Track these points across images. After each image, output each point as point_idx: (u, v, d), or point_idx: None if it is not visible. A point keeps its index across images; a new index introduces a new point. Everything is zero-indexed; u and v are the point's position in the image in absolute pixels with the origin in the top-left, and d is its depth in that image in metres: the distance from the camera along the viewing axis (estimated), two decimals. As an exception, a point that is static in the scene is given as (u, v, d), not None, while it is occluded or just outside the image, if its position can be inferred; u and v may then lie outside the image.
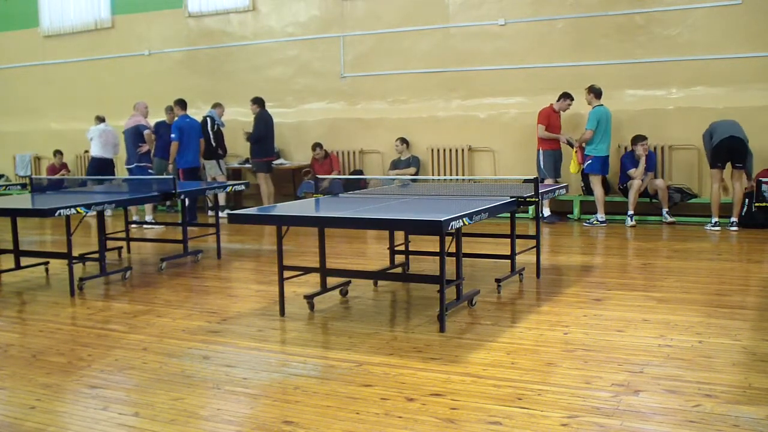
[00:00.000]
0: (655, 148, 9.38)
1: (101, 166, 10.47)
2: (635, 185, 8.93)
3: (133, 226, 8.81)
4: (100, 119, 10.78)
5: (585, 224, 9.17)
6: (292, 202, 6.30)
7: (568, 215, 9.65)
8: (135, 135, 9.77)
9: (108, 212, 10.62)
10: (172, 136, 10.06)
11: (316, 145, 11.00)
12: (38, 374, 3.95)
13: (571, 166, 9.45)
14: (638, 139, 9.03)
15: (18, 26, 14.02)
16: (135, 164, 9.76)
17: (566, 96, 9.48)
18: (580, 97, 9.46)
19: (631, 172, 9.02)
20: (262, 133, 10.58)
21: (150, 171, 10.00)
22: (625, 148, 9.46)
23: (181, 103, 10.30)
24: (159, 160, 10.82)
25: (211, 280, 6.54)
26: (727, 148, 8.21)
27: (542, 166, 9.46)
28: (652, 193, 9.13)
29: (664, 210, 9.01)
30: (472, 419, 3.18)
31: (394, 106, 11.13)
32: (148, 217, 10.07)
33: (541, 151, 9.51)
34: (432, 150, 10.70)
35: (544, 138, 9.50)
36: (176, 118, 10.30)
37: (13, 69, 14.17)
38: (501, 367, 3.85)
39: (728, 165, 8.34)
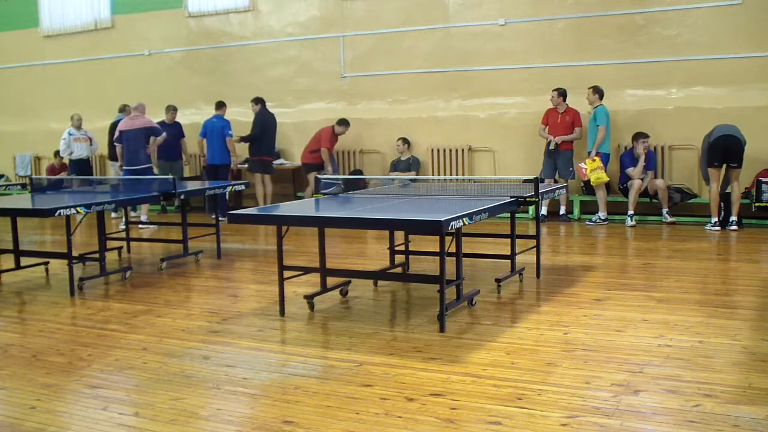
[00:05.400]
0: (655, 148, 9.38)
1: (88, 166, 11.30)
2: (635, 185, 8.93)
3: (121, 226, 8.84)
4: (80, 123, 11.19)
5: (587, 223, 9.17)
6: (291, 202, 6.30)
7: (568, 215, 9.64)
8: (146, 136, 9.73)
9: (114, 214, 10.80)
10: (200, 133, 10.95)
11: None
12: (38, 374, 3.95)
13: (600, 174, 8.95)
14: (639, 135, 9.02)
15: (18, 26, 14.01)
16: (145, 165, 9.72)
17: (554, 91, 9.53)
18: (580, 97, 9.47)
19: (630, 171, 9.02)
20: (257, 132, 10.70)
21: (154, 172, 10.03)
22: (625, 147, 9.46)
23: (217, 104, 10.88)
24: (164, 162, 10.90)
25: (211, 280, 6.54)
26: (722, 147, 8.19)
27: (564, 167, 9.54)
28: (652, 193, 9.14)
29: (664, 210, 9.01)
30: (472, 419, 3.18)
31: (394, 106, 11.13)
32: (143, 217, 10.10)
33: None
34: (432, 150, 10.70)
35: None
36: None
37: (13, 69, 14.17)
38: (501, 367, 3.85)
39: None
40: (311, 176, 10.29)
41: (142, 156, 9.67)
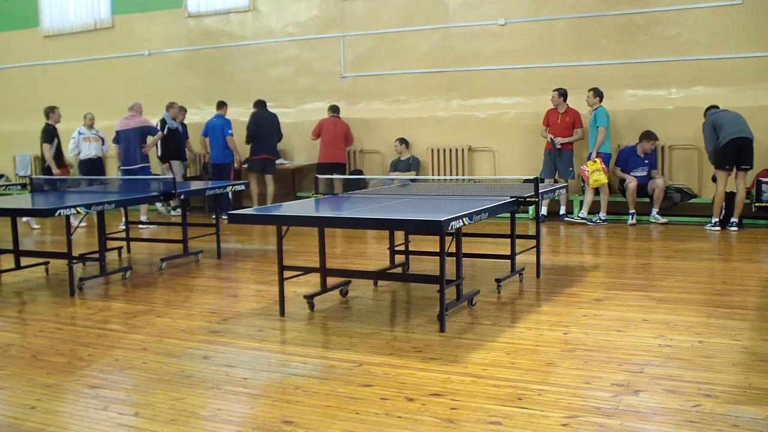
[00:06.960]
0: (655, 148, 9.38)
1: (99, 166, 10.99)
2: (631, 186, 8.96)
3: (121, 226, 8.84)
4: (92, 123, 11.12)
5: (589, 223, 9.17)
6: (292, 202, 6.30)
7: (568, 215, 9.64)
8: (142, 136, 9.75)
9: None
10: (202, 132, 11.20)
11: None
12: (38, 374, 3.95)
13: (598, 177, 8.98)
14: (652, 136, 9.06)
15: (18, 26, 14.01)
16: (141, 165, 9.75)
17: (555, 91, 9.55)
18: (579, 97, 9.47)
19: (620, 173, 9.15)
20: (249, 134, 10.85)
21: (151, 172, 10.05)
22: (618, 145, 9.47)
23: (218, 104, 11.04)
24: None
25: (211, 280, 6.54)
26: (737, 150, 8.10)
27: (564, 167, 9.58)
28: (650, 192, 9.14)
29: (654, 210, 9.01)
30: (472, 419, 3.18)
31: (394, 106, 11.13)
32: (143, 217, 10.11)
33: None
34: (432, 150, 10.69)
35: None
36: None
37: (14, 69, 14.16)
38: (501, 367, 3.85)
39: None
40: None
41: (137, 155, 9.69)
